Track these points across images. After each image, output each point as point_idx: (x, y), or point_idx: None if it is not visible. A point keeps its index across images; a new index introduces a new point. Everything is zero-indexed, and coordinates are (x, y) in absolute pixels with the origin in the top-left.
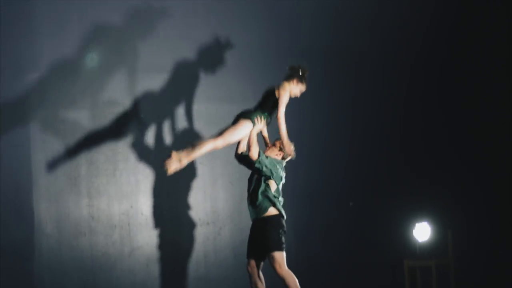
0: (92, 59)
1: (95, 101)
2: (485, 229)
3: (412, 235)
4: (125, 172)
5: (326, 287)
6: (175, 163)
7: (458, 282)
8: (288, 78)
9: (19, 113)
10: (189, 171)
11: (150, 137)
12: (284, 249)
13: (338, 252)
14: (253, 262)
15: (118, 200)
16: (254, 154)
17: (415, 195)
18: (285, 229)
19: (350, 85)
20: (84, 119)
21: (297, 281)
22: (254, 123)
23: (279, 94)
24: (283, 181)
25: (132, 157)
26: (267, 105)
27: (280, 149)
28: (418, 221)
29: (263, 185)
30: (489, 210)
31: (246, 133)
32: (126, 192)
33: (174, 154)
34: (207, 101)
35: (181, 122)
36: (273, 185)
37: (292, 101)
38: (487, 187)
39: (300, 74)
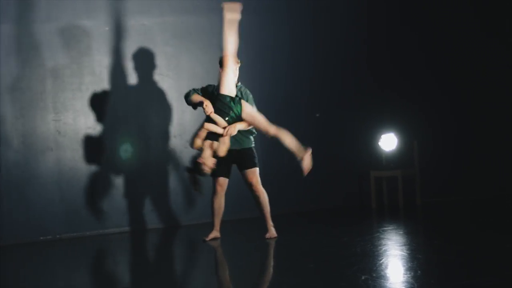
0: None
1: (59, 14)
2: (450, 139)
3: (379, 146)
4: (91, 86)
5: (295, 197)
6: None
7: (423, 191)
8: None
9: None
10: (156, 84)
11: (116, 50)
12: None
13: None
14: (224, 181)
15: (84, 114)
16: None
17: (382, 107)
18: None
19: None
20: (50, 33)
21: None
22: None
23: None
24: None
25: (98, 70)
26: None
27: None
28: (384, 132)
29: None
30: (454, 121)
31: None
32: (93, 106)
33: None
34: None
35: (146, 31)
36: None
37: (258, 14)
38: (453, 99)
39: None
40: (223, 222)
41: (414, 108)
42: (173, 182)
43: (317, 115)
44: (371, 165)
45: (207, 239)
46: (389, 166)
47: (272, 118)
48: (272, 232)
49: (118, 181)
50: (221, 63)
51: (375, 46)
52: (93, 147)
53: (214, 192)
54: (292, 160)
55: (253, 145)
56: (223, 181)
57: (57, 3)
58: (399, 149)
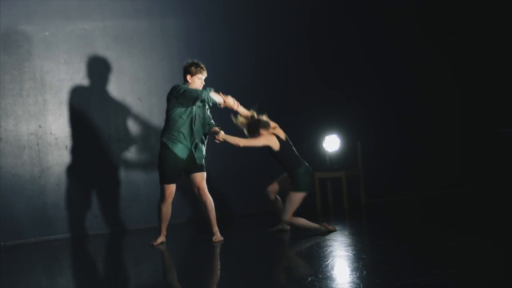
0: None
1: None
2: (392, 140)
3: (323, 147)
4: (32, 92)
5: (237, 200)
6: None
7: (367, 191)
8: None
9: None
10: (99, 88)
11: (56, 55)
12: None
13: (249, 164)
14: (174, 187)
15: (26, 120)
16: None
17: (326, 108)
18: None
19: None
20: None
21: None
22: None
23: None
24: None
25: (38, 76)
26: None
27: None
28: (328, 134)
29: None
30: (396, 122)
31: None
32: (34, 112)
33: None
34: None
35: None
36: None
37: (196, 15)
38: (395, 100)
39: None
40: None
41: (357, 109)
42: (117, 186)
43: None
44: (315, 166)
45: (155, 243)
46: (333, 167)
47: (216, 118)
48: (218, 236)
49: (60, 187)
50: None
51: (318, 46)
52: (35, 153)
53: (162, 199)
54: (236, 161)
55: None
56: (173, 188)
57: None
58: (343, 150)
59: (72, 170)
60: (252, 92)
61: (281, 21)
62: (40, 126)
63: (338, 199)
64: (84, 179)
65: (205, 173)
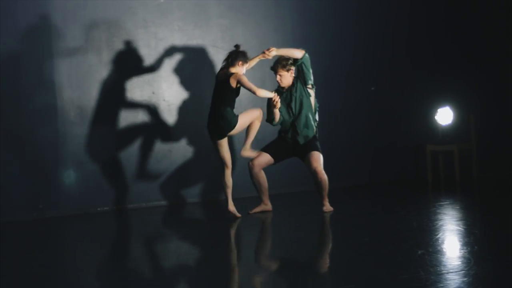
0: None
1: None
2: (507, 113)
3: (435, 120)
4: (147, 59)
5: (351, 171)
6: None
7: (480, 166)
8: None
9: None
10: (212, 56)
11: (171, 22)
12: None
13: (362, 136)
14: (267, 157)
15: (139, 87)
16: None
17: (438, 80)
18: None
19: None
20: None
21: None
22: None
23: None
24: None
25: (153, 43)
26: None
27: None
28: (440, 106)
29: (311, 104)
30: (511, 95)
31: None
32: (148, 79)
33: None
34: None
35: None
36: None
37: None
38: (510, 73)
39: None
40: (275, 196)
41: (470, 82)
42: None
43: (372, 88)
44: (427, 139)
45: (252, 212)
46: (446, 140)
47: (329, 90)
48: (328, 206)
49: (172, 154)
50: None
51: (432, 18)
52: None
53: (252, 160)
54: (349, 130)
55: (316, 133)
56: (268, 158)
57: None
58: (456, 123)
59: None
60: (366, 64)
61: None
62: (153, 93)
63: (449, 172)
64: (190, 147)
65: (320, 155)
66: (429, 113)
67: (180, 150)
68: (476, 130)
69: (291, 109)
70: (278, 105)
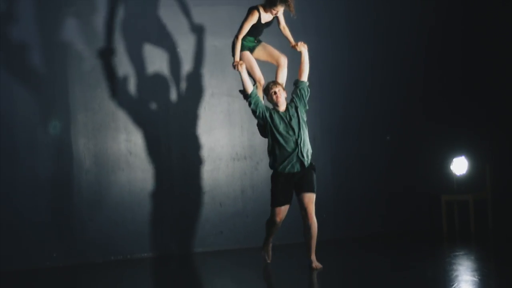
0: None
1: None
2: None
3: (450, 169)
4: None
5: (365, 219)
6: None
7: (496, 216)
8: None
9: (57, 49)
10: (225, 106)
11: (187, 70)
12: None
13: (376, 185)
14: (284, 211)
15: (155, 133)
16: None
17: (453, 130)
18: None
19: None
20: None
21: None
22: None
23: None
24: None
25: (167, 89)
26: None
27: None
28: (456, 156)
29: (306, 127)
30: None
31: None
32: (163, 127)
33: None
34: None
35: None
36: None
37: (333, 33)
38: None
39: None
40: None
41: (485, 132)
42: (240, 203)
43: (388, 138)
44: (442, 189)
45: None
46: (461, 190)
47: (345, 138)
48: (316, 262)
49: (186, 202)
50: None
51: (447, 69)
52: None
53: (274, 218)
54: (363, 179)
55: (313, 163)
56: (285, 209)
57: None
58: (471, 172)
59: (198, 186)
60: (381, 114)
61: (408, 44)
62: (164, 142)
63: (464, 222)
64: (210, 194)
65: (314, 195)
66: (444, 163)
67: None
68: (491, 180)
69: (292, 128)
70: (240, 68)
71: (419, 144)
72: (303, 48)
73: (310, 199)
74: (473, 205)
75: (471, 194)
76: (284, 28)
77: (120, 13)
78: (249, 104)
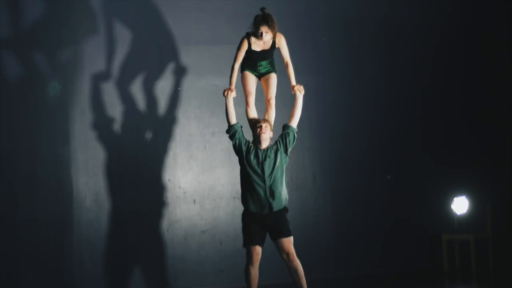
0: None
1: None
2: None
3: (451, 209)
4: (164, 146)
5: (365, 258)
6: None
7: (497, 256)
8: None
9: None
10: (226, 144)
11: (187, 109)
12: None
13: (377, 224)
14: (259, 249)
15: (155, 173)
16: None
17: (453, 169)
18: None
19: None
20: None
21: None
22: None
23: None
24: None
25: (168, 128)
26: None
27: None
28: (456, 195)
29: (283, 172)
30: None
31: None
32: (164, 165)
33: None
34: None
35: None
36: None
37: (333, 72)
38: None
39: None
40: None
41: (486, 171)
42: (240, 242)
43: (388, 177)
44: (443, 228)
45: None
46: (461, 229)
47: (345, 177)
48: None
49: (187, 241)
50: None
51: (448, 108)
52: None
53: (250, 262)
54: (363, 219)
55: (286, 203)
56: (259, 250)
57: None
58: (472, 212)
59: (199, 223)
60: (381, 153)
61: (409, 84)
62: (169, 180)
63: (465, 262)
64: (210, 233)
65: (292, 237)
66: (445, 202)
67: (195, 238)
68: (492, 219)
69: (263, 168)
70: (227, 94)
71: (420, 183)
72: (298, 93)
73: (290, 242)
74: (474, 244)
75: (472, 233)
76: (287, 64)
77: (120, 50)
78: (227, 131)
